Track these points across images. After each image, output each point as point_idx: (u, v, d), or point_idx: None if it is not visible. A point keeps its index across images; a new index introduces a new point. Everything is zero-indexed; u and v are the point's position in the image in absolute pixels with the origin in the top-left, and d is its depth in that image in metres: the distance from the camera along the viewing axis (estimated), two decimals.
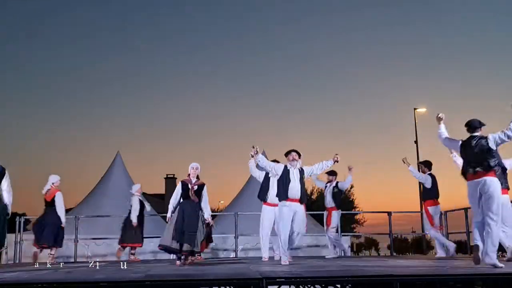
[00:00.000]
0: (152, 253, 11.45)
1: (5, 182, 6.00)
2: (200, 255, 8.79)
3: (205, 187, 6.94)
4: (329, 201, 8.92)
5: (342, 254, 9.74)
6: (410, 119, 22.01)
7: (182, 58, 71.38)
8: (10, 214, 6.11)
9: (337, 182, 8.89)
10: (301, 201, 6.55)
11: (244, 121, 68.37)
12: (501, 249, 6.23)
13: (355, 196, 34.54)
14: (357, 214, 32.97)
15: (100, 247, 11.60)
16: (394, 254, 10.74)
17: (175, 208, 6.82)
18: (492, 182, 5.37)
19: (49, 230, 8.21)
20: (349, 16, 66.84)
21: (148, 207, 9.59)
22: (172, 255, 7.41)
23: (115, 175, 14.87)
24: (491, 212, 5.31)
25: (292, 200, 6.48)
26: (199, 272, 4.99)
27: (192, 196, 6.75)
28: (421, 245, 17.48)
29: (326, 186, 8.99)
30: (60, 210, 8.37)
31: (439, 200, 8.67)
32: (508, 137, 5.40)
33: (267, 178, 7.80)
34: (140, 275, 4.55)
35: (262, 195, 7.87)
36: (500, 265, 5.11)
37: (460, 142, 5.74)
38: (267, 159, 7.15)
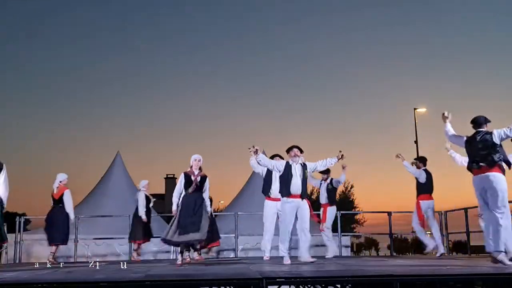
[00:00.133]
0: (152, 253, 11.45)
1: (2, 175, 6.04)
2: (200, 255, 8.80)
3: (207, 179, 6.92)
4: (323, 198, 9.02)
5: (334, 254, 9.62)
6: (410, 119, 22.04)
7: (182, 58, 71.53)
8: (4, 207, 6.14)
9: (332, 179, 8.95)
10: (302, 196, 6.57)
11: (244, 121, 68.48)
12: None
13: (355, 196, 34.63)
14: (357, 214, 33.00)
15: (100, 247, 11.59)
16: (394, 254, 10.75)
17: (179, 201, 6.80)
18: (496, 177, 5.40)
19: (59, 229, 8.39)
20: (349, 16, 66.99)
21: (152, 202, 9.67)
22: (172, 255, 7.41)
23: (115, 175, 14.85)
24: (497, 207, 5.34)
25: (295, 196, 6.53)
26: (199, 272, 4.99)
27: (194, 187, 6.72)
28: (421, 245, 17.45)
29: (320, 184, 9.07)
30: (69, 207, 8.52)
31: (433, 197, 8.78)
32: None
33: (269, 172, 7.75)
34: (140, 275, 4.54)
35: (266, 189, 7.85)
36: (508, 263, 5.15)
37: (465, 138, 5.79)
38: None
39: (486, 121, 5.69)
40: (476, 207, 8.26)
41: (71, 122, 69.22)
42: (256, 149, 6.52)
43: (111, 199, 13.63)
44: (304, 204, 6.62)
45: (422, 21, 66.16)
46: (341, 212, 11.58)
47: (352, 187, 34.62)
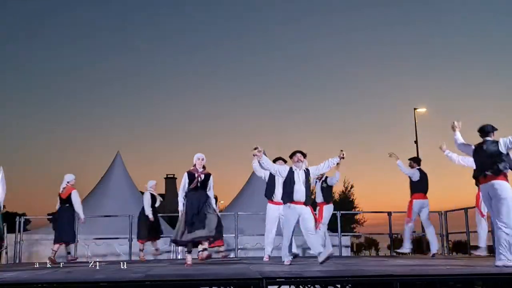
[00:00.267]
0: (152, 253, 11.42)
1: None
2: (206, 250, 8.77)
3: (211, 177, 6.89)
4: (319, 197, 9.05)
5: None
6: (410, 119, 22.04)
7: (182, 58, 71.50)
8: (1, 208, 6.15)
9: (326, 177, 8.97)
10: (305, 203, 6.47)
11: (244, 121, 68.46)
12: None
13: (355, 196, 34.54)
14: (357, 214, 32.96)
15: (100, 247, 11.59)
16: (394, 254, 10.75)
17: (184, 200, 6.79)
18: (501, 185, 5.39)
19: (67, 228, 8.50)
20: (349, 16, 66.95)
21: (158, 202, 9.76)
22: (172, 254, 7.40)
23: (115, 175, 14.85)
24: (501, 215, 5.31)
25: (297, 203, 6.41)
26: (199, 272, 4.99)
27: (196, 183, 6.70)
28: (421, 245, 17.49)
29: (316, 182, 9.08)
30: (78, 206, 8.61)
31: (429, 197, 8.84)
32: None
33: (272, 177, 7.71)
34: (140, 275, 4.55)
35: (269, 194, 7.82)
36: (511, 264, 5.13)
37: (473, 147, 5.80)
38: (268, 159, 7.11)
39: (493, 129, 5.69)
40: (475, 207, 8.30)
41: (71, 122, 69.22)
42: (259, 150, 6.45)
43: (111, 199, 13.63)
44: (307, 211, 6.48)
45: (422, 21, 66.05)
46: (341, 212, 11.59)
47: (352, 187, 34.58)
